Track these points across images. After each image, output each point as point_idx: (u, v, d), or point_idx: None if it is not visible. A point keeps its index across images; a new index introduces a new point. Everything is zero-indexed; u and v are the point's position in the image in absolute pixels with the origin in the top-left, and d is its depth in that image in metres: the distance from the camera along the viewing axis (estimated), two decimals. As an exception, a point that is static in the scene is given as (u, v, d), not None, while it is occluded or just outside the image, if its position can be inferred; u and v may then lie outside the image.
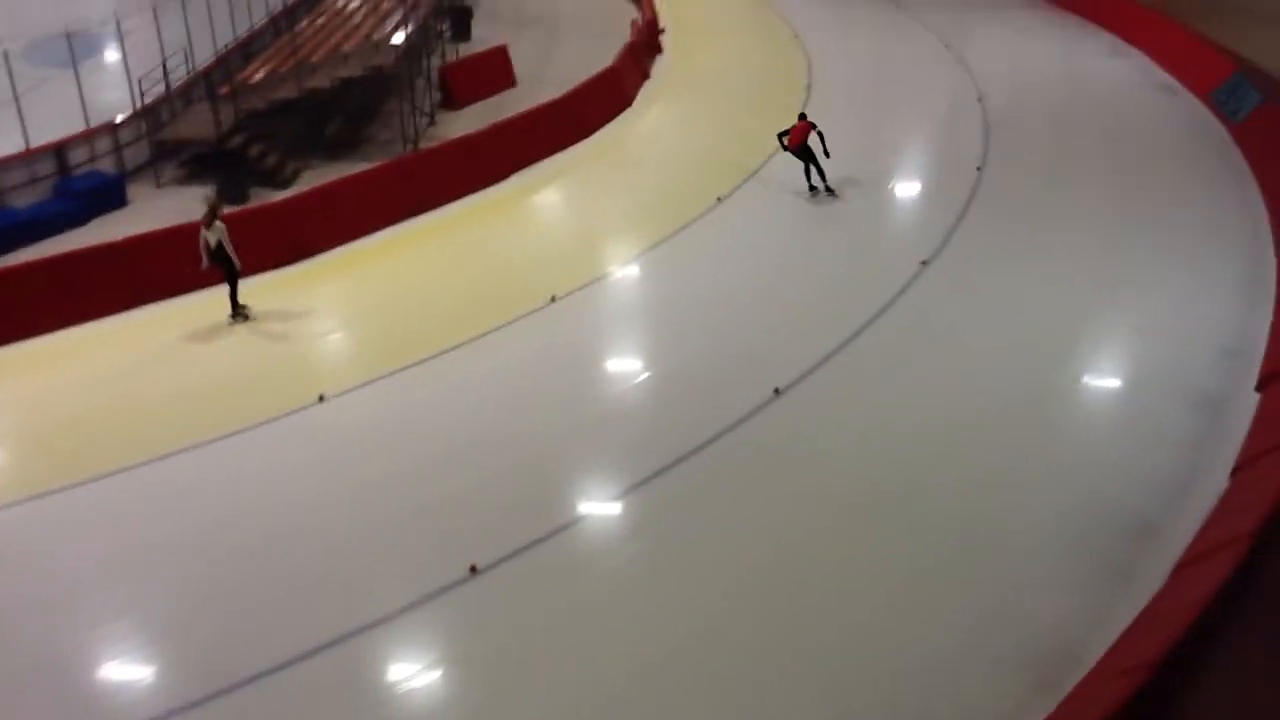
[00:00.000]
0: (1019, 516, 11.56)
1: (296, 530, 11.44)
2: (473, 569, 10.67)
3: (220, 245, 15.26)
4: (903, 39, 31.43)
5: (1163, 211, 19.43)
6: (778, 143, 19.59)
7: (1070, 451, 12.70)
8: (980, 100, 25.48)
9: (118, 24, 20.69)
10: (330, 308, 16.58)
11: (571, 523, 11.54)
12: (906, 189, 21.10)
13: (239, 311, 15.60)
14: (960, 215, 19.01)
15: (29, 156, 18.57)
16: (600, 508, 11.87)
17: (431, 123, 23.12)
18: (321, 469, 12.41)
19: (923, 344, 15.06)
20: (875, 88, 27.15)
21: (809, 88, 26.26)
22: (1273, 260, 17.07)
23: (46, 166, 18.89)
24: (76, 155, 19.35)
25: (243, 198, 19.00)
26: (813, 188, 19.64)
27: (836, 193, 19.64)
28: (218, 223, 15.26)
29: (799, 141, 19.40)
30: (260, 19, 26.39)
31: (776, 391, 13.63)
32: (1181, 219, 19.08)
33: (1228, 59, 26.11)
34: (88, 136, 19.56)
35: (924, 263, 17.13)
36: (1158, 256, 17.59)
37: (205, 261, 15.35)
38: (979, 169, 21.13)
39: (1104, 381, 14.52)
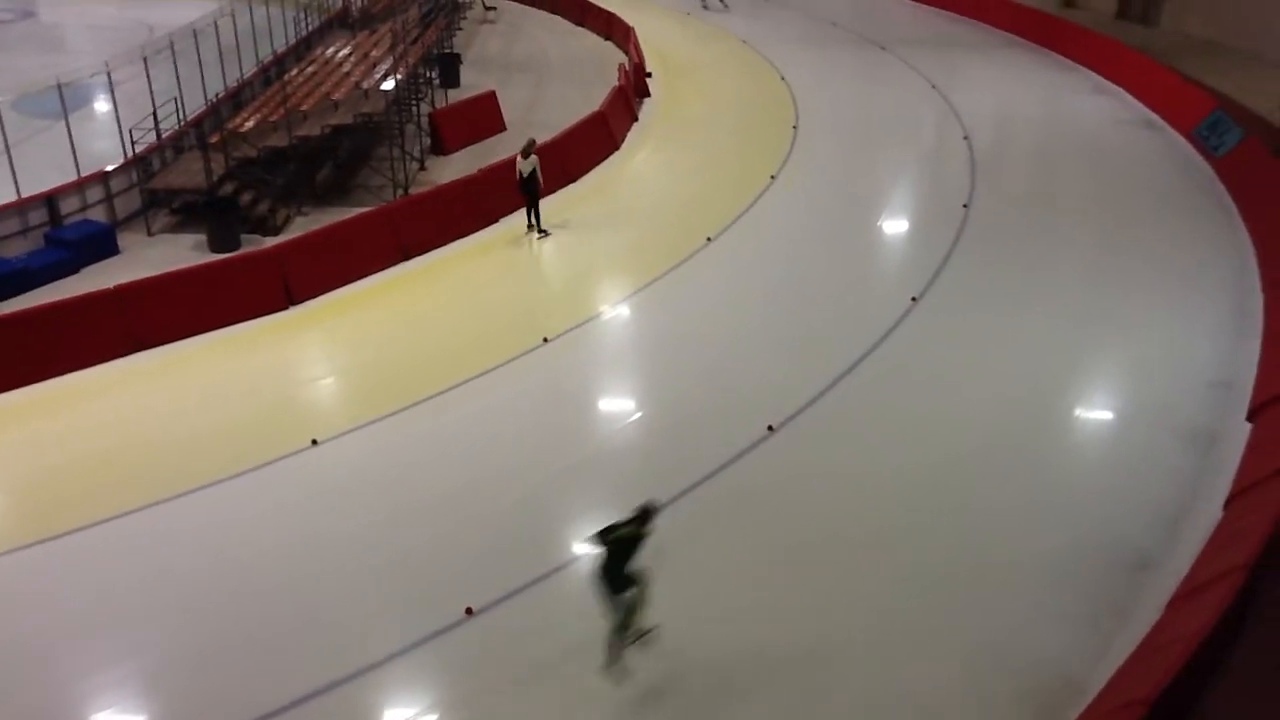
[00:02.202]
0: (1014, 551, 11.56)
1: (291, 574, 11.36)
2: (469, 611, 10.60)
3: (534, 173, 19.47)
4: (888, 79, 31.80)
5: (1149, 245, 19.61)
6: None
7: (1063, 486, 12.72)
8: (966, 138, 25.75)
9: (109, 75, 20.80)
10: (323, 352, 16.59)
11: (567, 563, 11.48)
12: (895, 226, 21.26)
13: (540, 229, 19.96)
14: (948, 252, 19.15)
15: (21, 206, 18.61)
16: (595, 548, 11.78)
17: (422, 168, 23.26)
18: (315, 513, 12.35)
19: (915, 380, 15.10)
20: (862, 127, 27.43)
21: (796, 128, 26.50)
22: (1259, 292, 17.21)
23: (38, 216, 18.92)
24: (68, 204, 19.38)
25: (234, 244, 19.03)
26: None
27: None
28: (533, 155, 19.48)
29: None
30: (250, 68, 26.59)
31: (770, 429, 13.64)
32: (1168, 253, 19.26)
33: (1208, 96, 26.48)
34: (79, 186, 19.61)
35: (914, 299, 17.22)
36: (1145, 290, 17.73)
37: (519, 183, 19.62)
38: (966, 206, 21.31)
39: (1095, 416, 14.57)
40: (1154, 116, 27.67)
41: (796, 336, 16.46)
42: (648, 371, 15.89)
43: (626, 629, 9.65)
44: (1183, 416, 13.98)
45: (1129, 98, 29.44)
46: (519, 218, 20.68)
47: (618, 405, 15.00)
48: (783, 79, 31.15)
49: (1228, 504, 11.73)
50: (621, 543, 9.49)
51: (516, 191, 20.06)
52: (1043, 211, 21.36)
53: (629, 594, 9.57)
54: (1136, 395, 14.86)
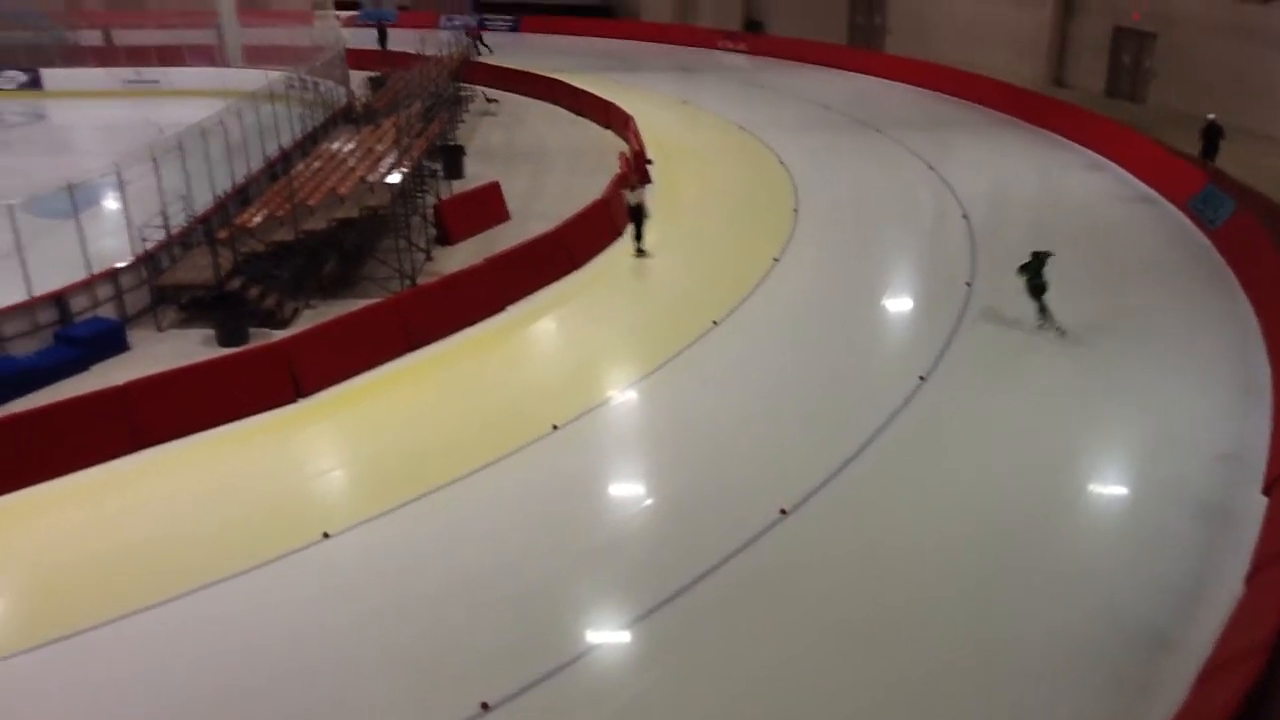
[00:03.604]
0: (1029, 629, 11.50)
1: (303, 669, 11.26)
2: (484, 706, 10.46)
3: (641, 205, 23.66)
4: (886, 162, 32.26)
5: (1151, 318, 19.74)
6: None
7: (1075, 563, 12.68)
8: (965, 217, 26.05)
9: (118, 174, 21.13)
10: (332, 444, 16.60)
11: (582, 654, 11.38)
12: (899, 305, 21.40)
13: (642, 249, 23.64)
14: (953, 330, 19.25)
15: (31, 305, 18.77)
16: (610, 637, 11.71)
17: (428, 258, 23.50)
18: (327, 606, 12.25)
19: (925, 458, 15.10)
20: (862, 209, 27.77)
21: (796, 211, 26.82)
22: (1266, 362, 17.26)
23: (48, 315, 19.06)
24: (78, 302, 19.54)
25: (242, 338, 19.16)
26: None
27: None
28: (640, 188, 24.24)
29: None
30: (257, 165, 27.02)
31: (783, 512, 13.59)
32: (1170, 325, 19.39)
33: (1199, 170, 26.87)
34: (88, 284, 19.80)
35: (922, 378, 17.28)
36: (1150, 363, 17.80)
37: (628, 212, 24.03)
38: (968, 284, 21.48)
39: (1104, 491, 14.55)
40: (1149, 190, 28.04)
41: (806, 418, 16.48)
42: (657, 457, 15.87)
43: (1045, 313, 18.63)
44: (1193, 490, 13.95)
45: (1123, 172, 29.86)
46: (525, 305, 20.89)
47: (628, 491, 14.96)
48: (781, 163, 31.61)
49: (1248, 579, 11.64)
50: (1034, 266, 18.62)
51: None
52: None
53: (1043, 297, 18.59)
54: (1146, 469, 14.86)
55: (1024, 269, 18.78)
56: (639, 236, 23.85)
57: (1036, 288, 18.66)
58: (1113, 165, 30.63)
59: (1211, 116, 27.75)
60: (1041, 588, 12.19)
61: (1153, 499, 13.97)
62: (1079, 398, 16.71)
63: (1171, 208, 26.47)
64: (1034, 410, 16.37)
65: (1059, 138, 34.20)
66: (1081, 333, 19.11)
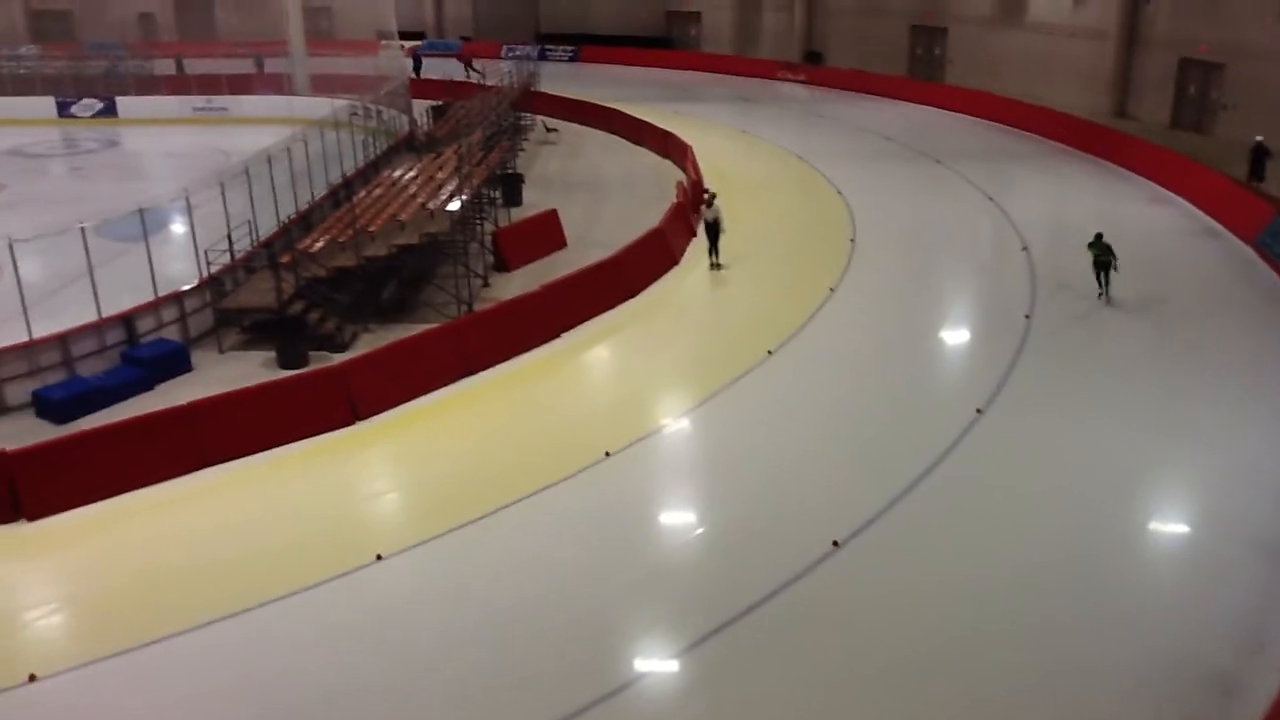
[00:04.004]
0: (1087, 668, 11.27)
1: (354, 689, 11.34)
2: (533, 732, 10.48)
3: (716, 220, 24.59)
4: (945, 193, 32.07)
5: (1216, 354, 19.36)
6: None
7: (1135, 600, 12.47)
8: (1025, 249, 25.77)
9: (187, 200, 21.64)
10: (387, 467, 16.78)
11: (631, 681, 11.35)
12: (956, 337, 21.21)
13: (718, 263, 24.71)
14: (1012, 363, 19.02)
15: (100, 326, 19.23)
16: (659, 665, 11.67)
17: (485, 285, 23.73)
18: (379, 628, 12.34)
19: (983, 492, 14.90)
20: (920, 240, 27.61)
21: (853, 241, 26.72)
22: (1335, 401, 16.85)
23: (116, 335, 19.52)
24: (144, 324, 19.99)
25: (302, 361, 19.46)
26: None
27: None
28: (716, 204, 24.91)
29: None
30: (320, 191, 27.52)
31: (835, 544, 13.47)
32: (1237, 362, 18.98)
33: (1267, 202, 26.34)
34: (155, 306, 20.25)
35: (979, 411, 17.07)
36: (1213, 400, 17.44)
37: (699, 229, 25.80)
38: (1027, 317, 21.22)
39: (1166, 528, 14.26)
40: (1214, 224, 27.54)
41: (861, 449, 16.36)
42: (710, 485, 15.83)
43: (1107, 285, 21.80)
44: (1256, 528, 13.65)
45: (1188, 206, 29.36)
46: (580, 332, 21.01)
47: (679, 519, 14.92)
48: (839, 193, 31.54)
49: (1316, 622, 11.32)
50: (1100, 245, 21.83)
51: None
52: (1107, 322, 21.20)
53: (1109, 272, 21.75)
54: (1207, 507, 14.54)
55: (1093, 246, 21.98)
56: (714, 250, 24.81)
57: (1104, 264, 21.76)
58: (1177, 198, 30.15)
59: (1260, 138, 27.93)
60: (1101, 626, 11.96)
61: (1216, 536, 13.66)
62: (1141, 433, 16.41)
63: (1238, 242, 25.97)
64: (1093, 444, 16.10)
65: (1122, 170, 33.75)
66: (1143, 366, 18.80)
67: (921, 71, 50.27)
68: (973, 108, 43.42)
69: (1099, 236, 21.90)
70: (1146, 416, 16.98)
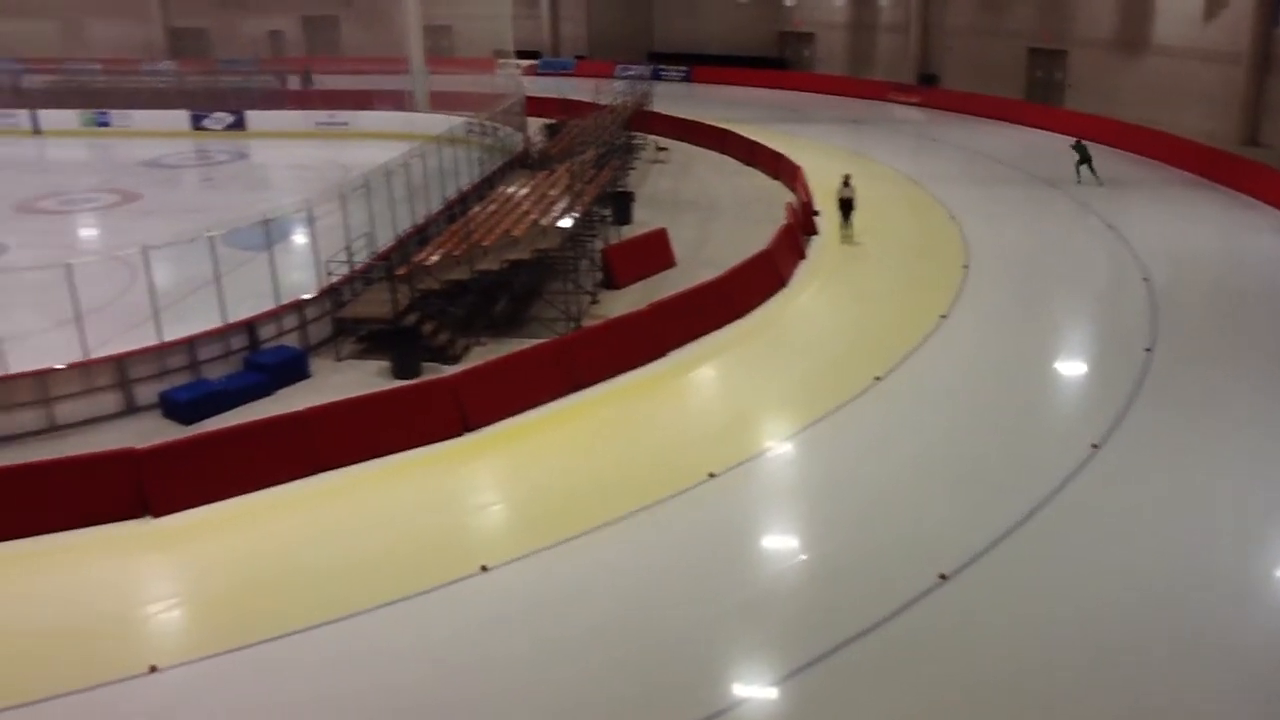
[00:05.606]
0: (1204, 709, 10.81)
1: (452, 699, 11.54)
2: (631, 751, 10.50)
3: (850, 199, 28.64)
4: (1062, 219, 31.36)
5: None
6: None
7: (1248, 652, 11.94)
8: (1146, 280, 25.00)
9: (309, 212, 22.36)
10: (494, 479, 17.06)
11: (728, 708, 11.30)
12: (1072, 369, 20.68)
13: (849, 236, 28.51)
14: (1130, 398, 18.45)
15: (225, 331, 19.97)
16: (758, 692, 11.60)
17: (594, 301, 23.96)
18: (481, 638, 12.54)
19: (1097, 530, 14.47)
20: (1035, 266, 27.02)
21: (966, 267, 26.27)
22: None
23: (239, 341, 20.25)
24: (266, 330, 20.69)
25: (415, 372, 19.90)
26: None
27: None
28: (851, 184, 28.80)
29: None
30: (437, 206, 28.15)
31: (942, 577, 13.23)
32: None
33: None
34: (276, 314, 20.94)
35: (1095, 446, 16.61)
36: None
37: (839, 208, 28.97)
38: (1148, 349, 20.57)
39: (1290, 578, 13.65)
40: (1351, 258, 26.39)
41: (970, 481, 16.05)
42: (814, 512, 15.70)
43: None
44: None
45: (1322, 238, 28.20)
46: (686, 351, 21.08)
47: (782, 545, 14.85)
48: (952, 217, 31.06)
49: None
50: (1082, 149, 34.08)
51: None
52: (1233, 355, 20.46)
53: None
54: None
55: (1077, 148, 33.85)
56: (847, 223, 28.81)
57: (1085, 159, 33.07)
58: (1310, 229, 28.97)
59: None
60: (1214, 674, 11.52)
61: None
62: (1262, 477, 15.75)
63: (1377, 277, 24.84)
64: (1217, 487, 15.52)
65: (1250, 199, 32.54)
66: (1273, 408, 18.05)
67: (1039, 95, 49.21)
68: (1093, 133, 42.21)
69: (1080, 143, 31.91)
70: (1271, 462, 16.29)
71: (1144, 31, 43.32)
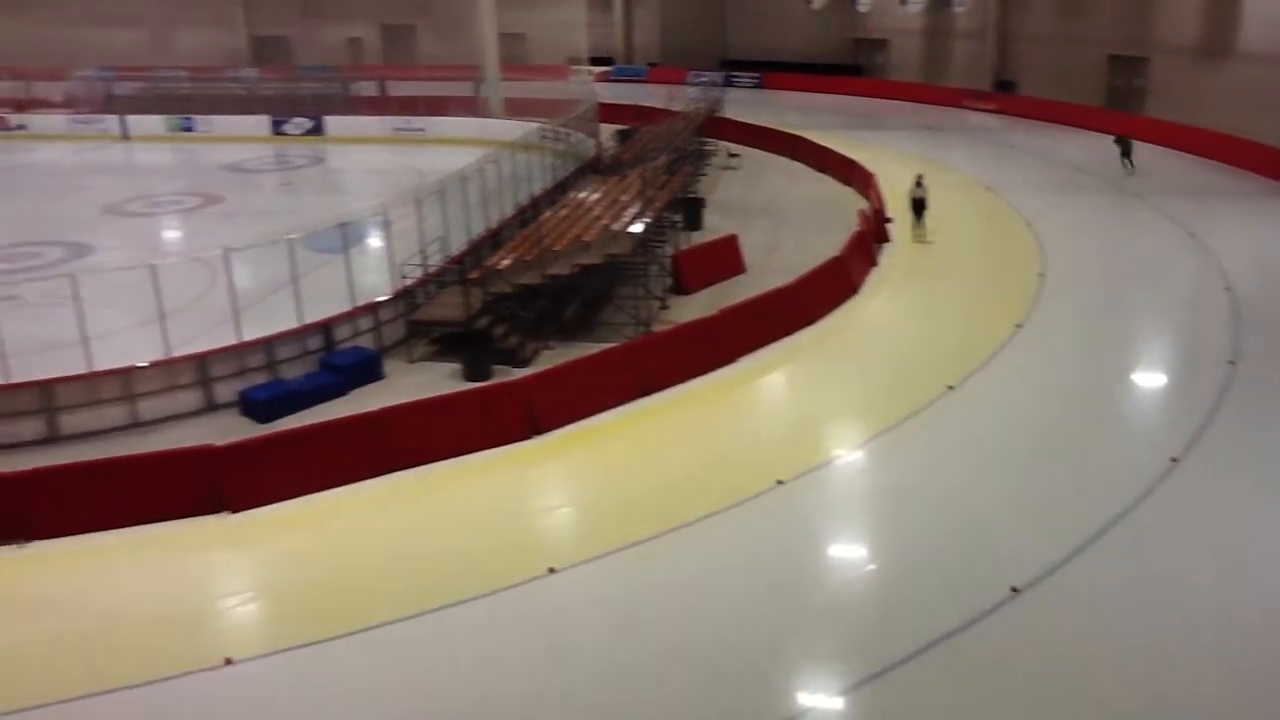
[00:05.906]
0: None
1: (517, 698, 11.64)
2: (696, 757, 10.50)
3: (921, 198, 29.15)
4: (1142, 228, 30.70)
5: None
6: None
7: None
8: (1228, 290, 24.36)
9: (385, 215, 22.73)
10: (562, 482, 17.17)
11: (794, 717, 11.26)
12: (1150, 381, 20.24)
13: (921, 236, 29.09)
14: (1212, 412, 17.98)
15: (301, 332, 20.37)
16: (824, 702, 11.52)
17: (664, 307, 24.00)
18: (548, 640, 12.63)
19: (1176, 546, 14.15)
20: (1114, 276, 26.51)
21: (1043, 276, 25.83)
22: None
23: (315, 341, 20.64)
24: (341, 332, 21.07)
25: (486, 374, 20.11)
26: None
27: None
28: (924, 184, 29.32)
29: None
30: (509, 211, 28.43)
31: (1014, 590, 13.01)
32: None
33: None
34: (351, 315, 21.31)
35: (1174, 460, 16.22)
36: None
37: (910, 207, 29.54)
38: (1231, 362, 20.04)
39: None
40: None
41: (1044, 493, 15.78)
42: (883, 521, 15.54)
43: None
44: None
45: None
46: (756, 358, 21.01)
47: (851, 554, 14.72)
48: (1028, 225, 30.57)
49: None
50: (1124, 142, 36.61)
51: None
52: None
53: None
54: None
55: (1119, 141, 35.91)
56: (920, 222, 29.23)
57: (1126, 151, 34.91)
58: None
59: None
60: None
61: None
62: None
63: None
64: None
65: (1341, 209, 31.58)
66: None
67: (1119, 102, 48.21)
68: (1175, 140, 41.33)
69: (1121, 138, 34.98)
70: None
71: (1230, 38, 42.20)
